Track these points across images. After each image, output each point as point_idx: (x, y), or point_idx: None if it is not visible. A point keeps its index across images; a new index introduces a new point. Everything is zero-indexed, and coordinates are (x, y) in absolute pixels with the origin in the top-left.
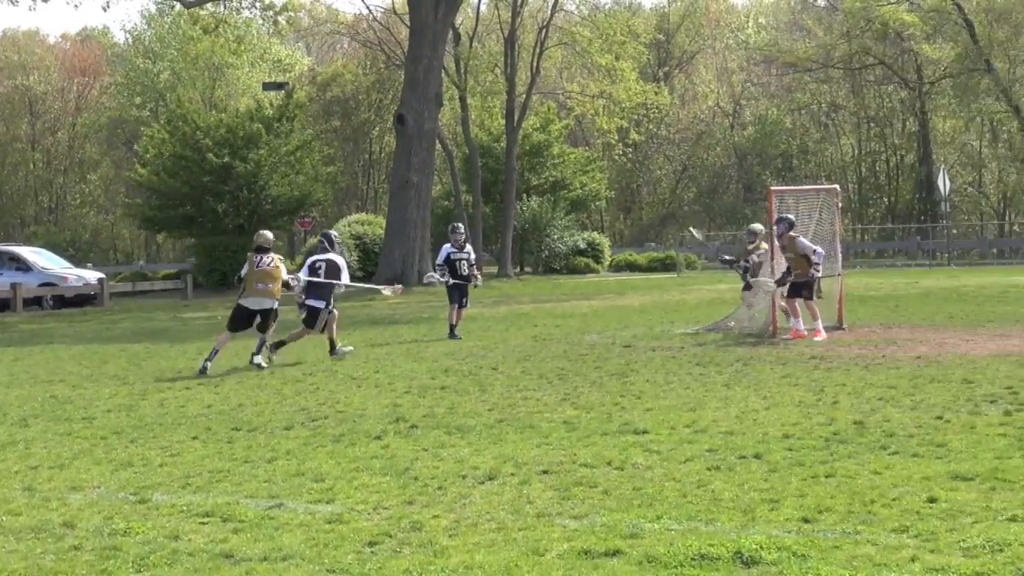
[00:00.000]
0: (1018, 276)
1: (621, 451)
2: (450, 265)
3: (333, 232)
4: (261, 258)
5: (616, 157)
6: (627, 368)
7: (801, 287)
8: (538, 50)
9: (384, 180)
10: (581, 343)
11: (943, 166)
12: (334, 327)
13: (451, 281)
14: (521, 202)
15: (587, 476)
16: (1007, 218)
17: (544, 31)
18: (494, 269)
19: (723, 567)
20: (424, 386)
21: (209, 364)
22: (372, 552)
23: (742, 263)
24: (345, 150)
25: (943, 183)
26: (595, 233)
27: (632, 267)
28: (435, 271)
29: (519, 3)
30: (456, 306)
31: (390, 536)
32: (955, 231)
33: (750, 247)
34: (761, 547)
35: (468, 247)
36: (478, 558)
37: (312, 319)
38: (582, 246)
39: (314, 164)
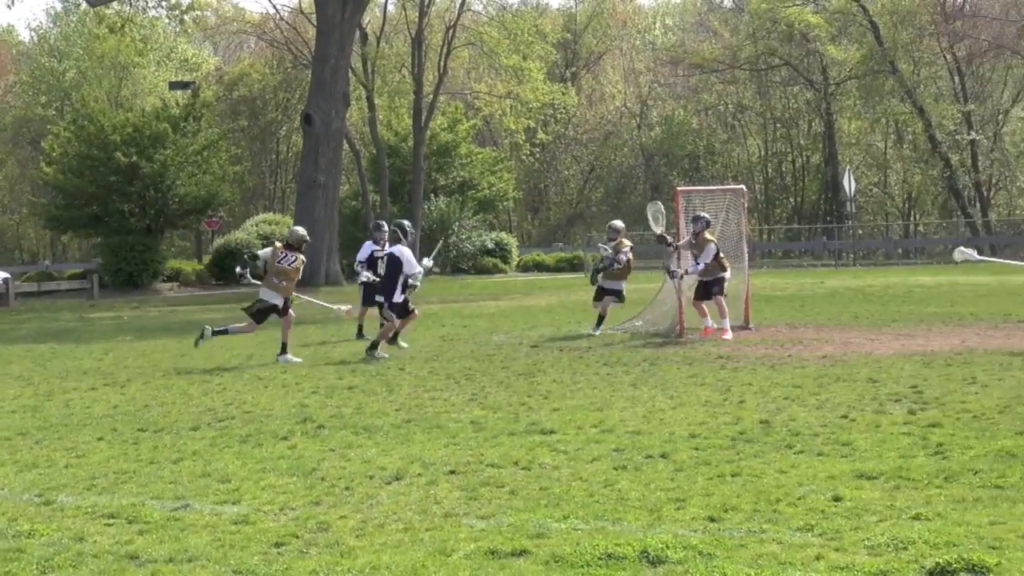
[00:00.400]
0: (923, 276)
1: (528, 451)
2: (371, 263)
3: (407, 222)
4: (287, 255)
5: (524, 157)
6: (534, 368)
7: (711, 286)
8: (445, 50)
9: (291, 180)
10: (489, 343)
11: (848, 167)
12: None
13: (372, 279)
14: (429, 202)
15: (494, 476)
16: (912, 218)
17: (451, 31)
18: None
19: (629, 566)
20: (331, 386)
21: (206, 336)
22: (278, 553)
23: (603, 263)
24: (252, 150)
25: (848, 184)
26: (503, 233)
27: (540, 267)
28: (358, 268)
29: (426, 3)
30: (367, 308)
31: (297, 537)
32: (861, 231)
33: (612, 245)
34: (667, 546)
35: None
36: (385, 558)
37: (401, 310)
38: (490, 246)
39: (221, 164)
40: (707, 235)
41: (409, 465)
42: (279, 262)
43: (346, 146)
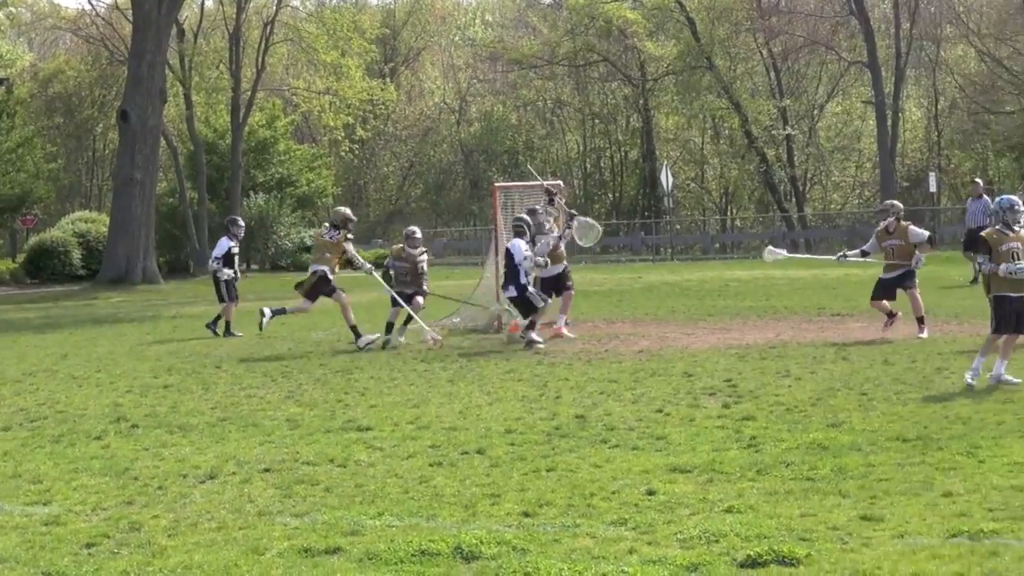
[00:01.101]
0: (738, 270)
1: (344, 448)
2: (227, 260)
3: (525, 216)
4: (331, 231)
5: (343, 154)
6: (352, 365)
7: (554, 282)
8: (263, 46)
9: (108, 177)
10: (307, 340)
11: (666, 162)
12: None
13: (232, 275)
14: (247, 199)
15: (309, 474)
16: (729, 213)
17: (269, 27)
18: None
19: (443, 562)
20: (147, 385)
21: (265, 317)
22: (89, 554)
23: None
24: (68, 147)
25: (666, 179)
26: (322, 230)
27: None
28: (212, 263)
29: None
30: (235, 304)
31: (108, 537)
32: (678, 226)
33: (415, 251)
34: (481, 542)
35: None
36: (197, 558)
37: (526, 306)
38: (309, 243)
39: (36, 161)
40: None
41: (224, 463)
42: (325, 237)
43: (164, 143)
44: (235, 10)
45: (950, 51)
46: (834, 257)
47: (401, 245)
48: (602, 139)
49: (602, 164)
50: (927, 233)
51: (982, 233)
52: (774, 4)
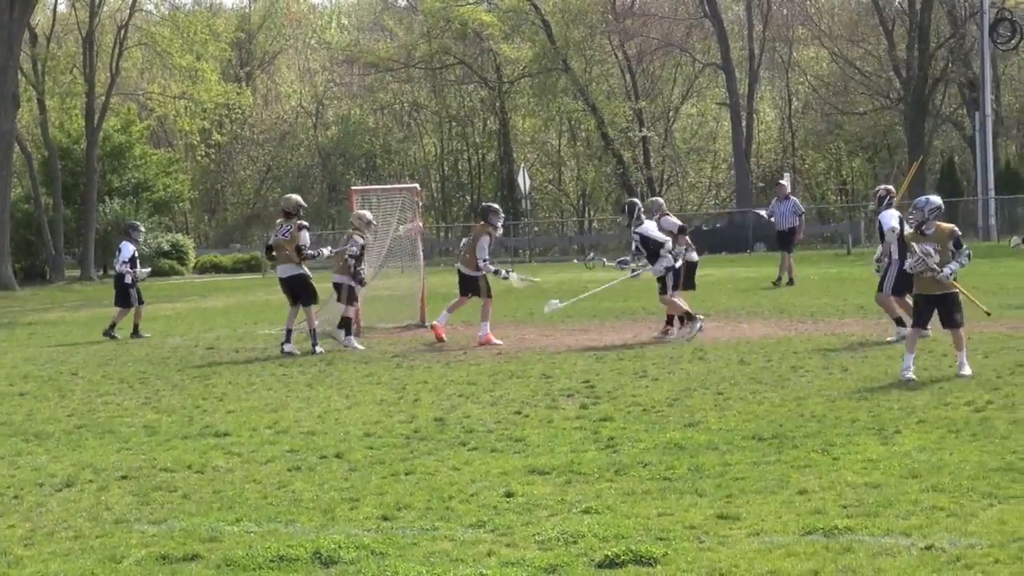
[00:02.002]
0: (597, 272)
1: (202, 454)
2: (133, 263)
3: (649, 201)
4: (280, 228)
5: (199, 158)
6: (210, 370)
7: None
8: (117, 51)
9: None
10: (164, 346)
11: (523, 164)
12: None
13: (142, 277)
14: (103, 204)
15: (167, 480)
16: (586, 214)
17: (123, 31)
18: (76, 272)
19: (302, 568)
20: (2, 393)
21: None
22: None
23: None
24: None
25: (523, 181)
26: (179, 235)
27: (217, 269)
28: (127, 269)
29: (97, 3)
30: (142, 306)
31: None
32: (537, 228)
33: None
34: (340, 546)
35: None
36: (54, 567)
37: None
38: (166, 248)
39: None
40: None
41: (80, 471)
42: (280, 235)
43: (16, 148)
44: (88, 14)
45: (803, 53)
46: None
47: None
48: (459, 142)
49: (460, 167)
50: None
51: (905, 236)
52: (628, 6)
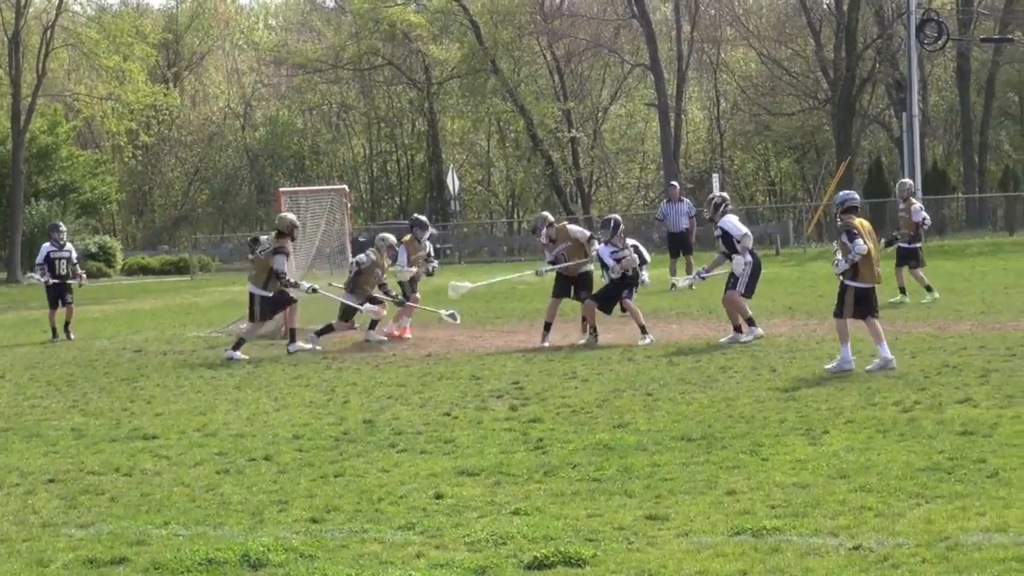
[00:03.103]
0: (526, 272)
1: (130, 457)
2: (49, 264)
3: (723, 194)
4: (261, 247)
5: (127, 159)
6: (138, 373)
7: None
8: (44, 51)
9: None
10: (91, 349)
11: (452, 165)
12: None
13: (51, 281)
14: (29, 206)
15: (94, 484)
16: (516, 215)
17: (50, 31)
18: (3, 274)
19: (230, 571)
20: None
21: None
22: None
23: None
24: None
25: (452, 182)
26: (107, 237)
27: (145, 270)
28: (34, 271)
29: (23, 3)
30: (57, 307)
31: None
32: (466, 229)
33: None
34: (268, 549)
35: (69, 245)
36: None
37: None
38: (93, 250)
39: None
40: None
41: (7, 475)
42: (261, 255)
43: None
44: (14, 14)
45: (731, 53)
46: None
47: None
48: (388, 143)
49: (388, 168)
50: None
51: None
52: (557, 7)
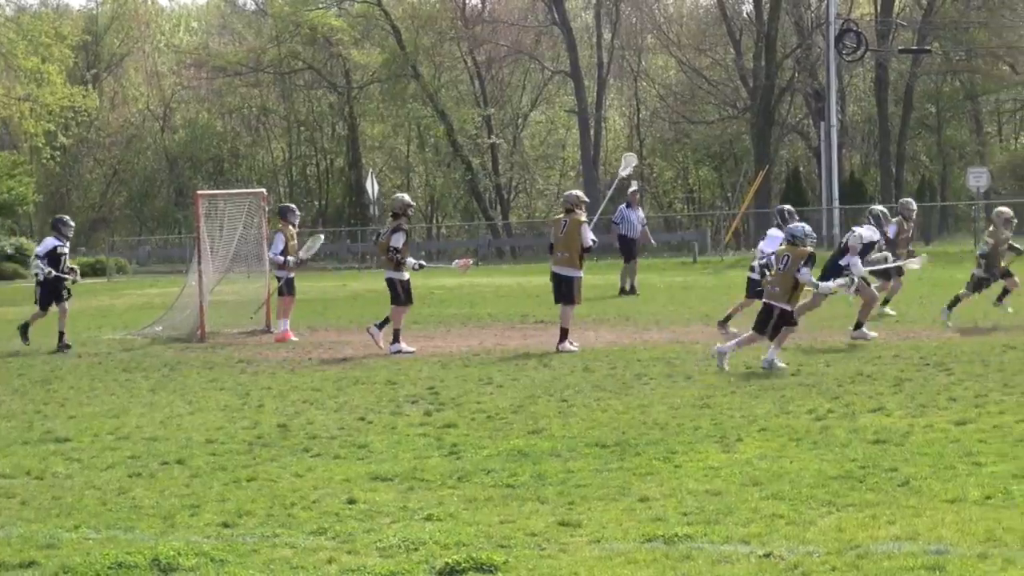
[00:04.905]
0: (444, 278)
1: (41, 460)
2: (53, 260)
3: (786, 207)
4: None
5: (44, 161)
6: (51, 375)
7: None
8: None
9: None
10: (3, 351)
11: (372, 169)
12: None
13: (54, 274)
14: None
15: (5, 487)
16: (434, 221)
17: None
18: None
19: (140, 575)
20: None
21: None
22: None
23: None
24: None
25: (372, 187)
26: (23, 238)
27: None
28: (38, 262)
29: None
30: (48, 309)
31: None
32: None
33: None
34: (179, 553)
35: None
36: None
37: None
38: (10, 252)
39: None
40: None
41: None
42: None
43: None
44: None
45: (651, 61)
46: None
47: None
48: (308, 147)
49: (308, 172)
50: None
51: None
52: (478, 13)
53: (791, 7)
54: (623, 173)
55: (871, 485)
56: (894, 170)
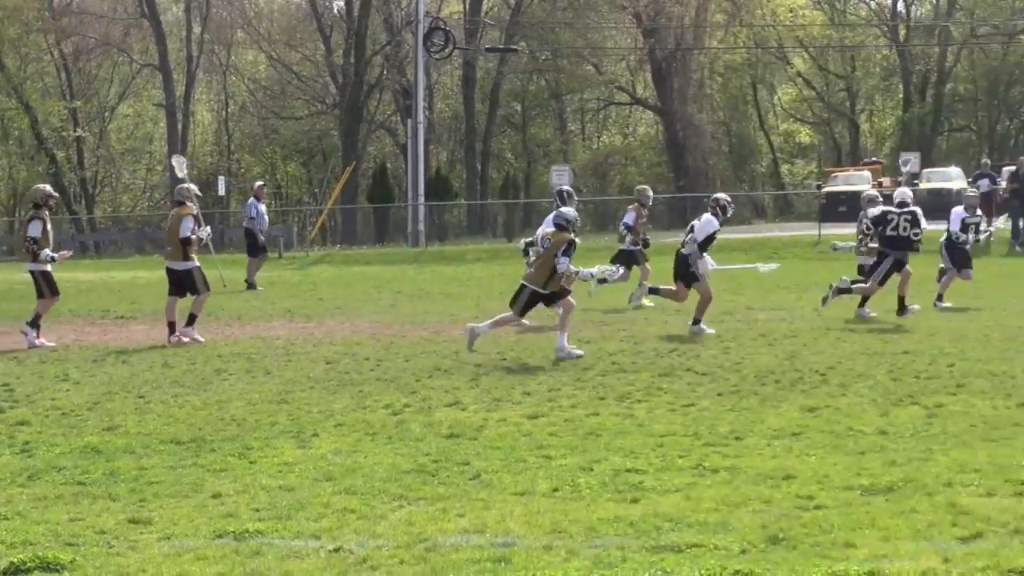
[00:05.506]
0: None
1: None
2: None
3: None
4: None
5: None
6: None
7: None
8: None
9: None
10: None
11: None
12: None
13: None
14: None
15: None
16: (18, 215)
17: None
18: None
19: None
20: None
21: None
22: None
23: None
24: None
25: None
26: None
27: None
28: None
29: None
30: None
31: None
32: None
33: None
34: None
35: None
36: None
37: None
38: None
39: None
40: None
41: None
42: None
43: None
44: None
45: (241, 56)
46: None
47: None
48: None
49: None
50: None
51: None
52: (66, 5)
53: (381, 4)
54: None
55: (443, 479)
56: (480, 167)
